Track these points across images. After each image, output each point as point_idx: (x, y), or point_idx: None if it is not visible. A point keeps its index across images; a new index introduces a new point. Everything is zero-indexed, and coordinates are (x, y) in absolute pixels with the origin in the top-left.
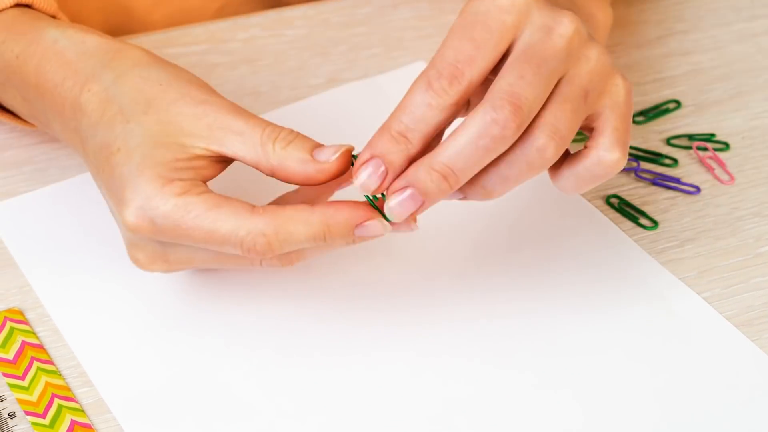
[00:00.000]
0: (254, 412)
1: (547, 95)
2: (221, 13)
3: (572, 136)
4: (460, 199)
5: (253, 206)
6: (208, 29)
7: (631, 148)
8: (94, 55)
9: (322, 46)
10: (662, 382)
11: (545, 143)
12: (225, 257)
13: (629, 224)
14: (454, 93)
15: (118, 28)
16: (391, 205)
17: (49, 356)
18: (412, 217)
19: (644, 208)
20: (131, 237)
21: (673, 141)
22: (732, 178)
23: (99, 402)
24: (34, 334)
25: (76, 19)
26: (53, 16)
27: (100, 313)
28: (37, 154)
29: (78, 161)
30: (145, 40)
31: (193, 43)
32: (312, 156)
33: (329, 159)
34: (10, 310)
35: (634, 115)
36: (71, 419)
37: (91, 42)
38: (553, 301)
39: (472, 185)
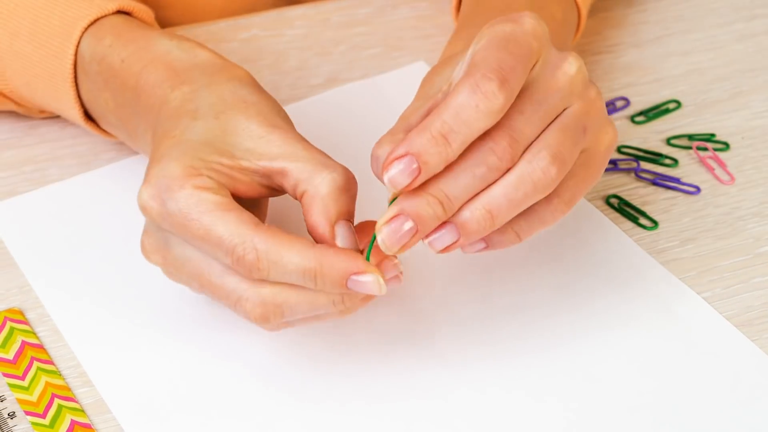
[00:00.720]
0: (255, 412)
1: (544, 127)
2: (230, 2)
3: (571, 163)
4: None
5: (261, 223)
6: (209, 29)
7: (631, 147)
8: (202, 67)
9: (322, 46)
10: (662, 382)
11: (549, 164)
12: (211, 271)
13: (629, 224)
14: (502, 98)
15: None
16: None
17: (49, 356)
18: (398, 275)
19: (644, 208)
20: (147, 219)
21: (673, 141)
22: (732, 178)
23: (99, 402)
24: (34, 334)
25: None
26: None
27: (100, 313)
28: (38, 154)
29: (79, 161)
30: None
31: None
32: (334, 223)
33: (336, 241)
34: (10, 310)
35: (635, 116)
36: (71, 419)
37: (203, 56)
38: (553, 301)
39: (474, 211)
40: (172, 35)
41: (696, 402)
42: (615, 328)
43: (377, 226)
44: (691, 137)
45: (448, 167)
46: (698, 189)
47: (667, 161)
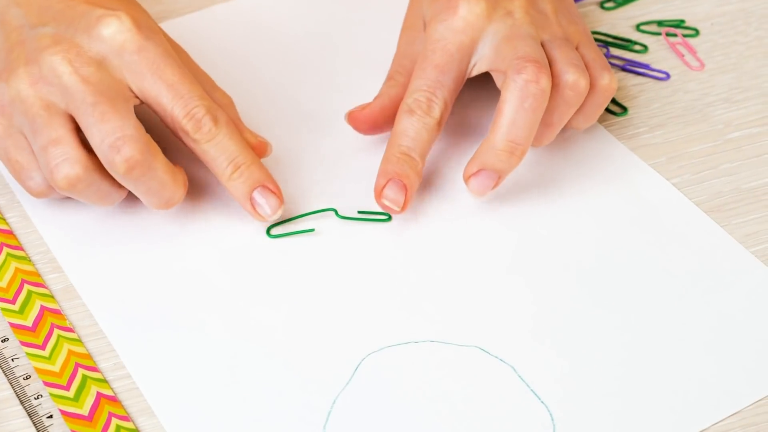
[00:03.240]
0: (235, 326)
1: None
2: None
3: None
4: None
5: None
6: None
7: (600, 34)
8: None
9: None
10: (631, 268)
11: (576, 78)
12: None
13: None
14: (434, 114)
15: None
16: (471, 186)
17: (18, 242)
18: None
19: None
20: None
21: (642, 27)
22: (701, 64)
23: (68, 288)
24: (4, 219)
25: None
26: None
27: (69, 199)
28: None
29: None
30: None
31: None
32: None
33: None
34: None
35: (604, 2)
36: (41, 305)
37: None
38: (521, 187)
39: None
40: None
41: (666, 288)
42: (584, 214)
43: (465, 177)
44: (660, 23)
45: (500, 116)
46: (668, 75)
47: (637, 47)
